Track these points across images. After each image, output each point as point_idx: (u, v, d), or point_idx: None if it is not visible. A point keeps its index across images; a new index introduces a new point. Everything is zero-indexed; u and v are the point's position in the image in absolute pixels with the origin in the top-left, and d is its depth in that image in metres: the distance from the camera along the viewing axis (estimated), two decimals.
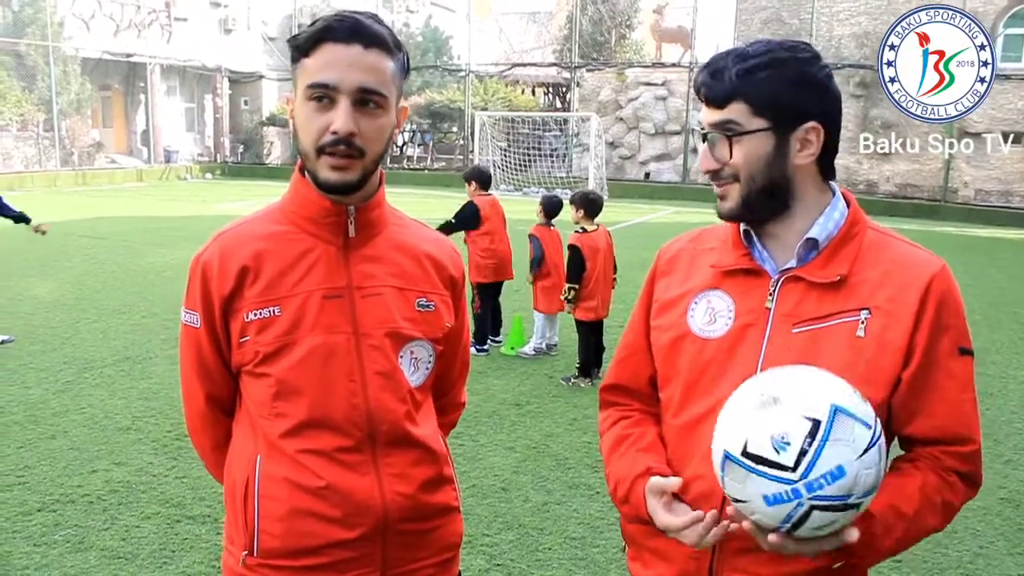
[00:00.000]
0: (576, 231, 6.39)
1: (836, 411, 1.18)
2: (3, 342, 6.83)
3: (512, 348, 7.13)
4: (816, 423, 1.17)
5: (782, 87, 1.37)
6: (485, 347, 7.21)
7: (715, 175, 1.44)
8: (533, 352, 7.04)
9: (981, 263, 13.01)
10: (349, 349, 1.52)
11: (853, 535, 1.24)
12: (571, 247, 6.32)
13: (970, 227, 18.66)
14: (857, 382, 1.34)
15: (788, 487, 1.17)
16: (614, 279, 6.59)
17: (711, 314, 1.47)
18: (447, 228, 6.82)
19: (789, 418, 1.18)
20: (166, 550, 3.62)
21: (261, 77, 30.31)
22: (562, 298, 6.44)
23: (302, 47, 1.46)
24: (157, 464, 4.52)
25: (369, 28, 1.46)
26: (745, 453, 1.19)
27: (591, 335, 6.43)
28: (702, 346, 1.46)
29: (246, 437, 1.57)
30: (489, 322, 7.31)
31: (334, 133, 1.44)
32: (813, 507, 1.17)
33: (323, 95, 1.44)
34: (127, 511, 3.97)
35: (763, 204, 1.42)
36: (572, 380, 6.32)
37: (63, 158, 24.30)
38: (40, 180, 22.05)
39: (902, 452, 1.48)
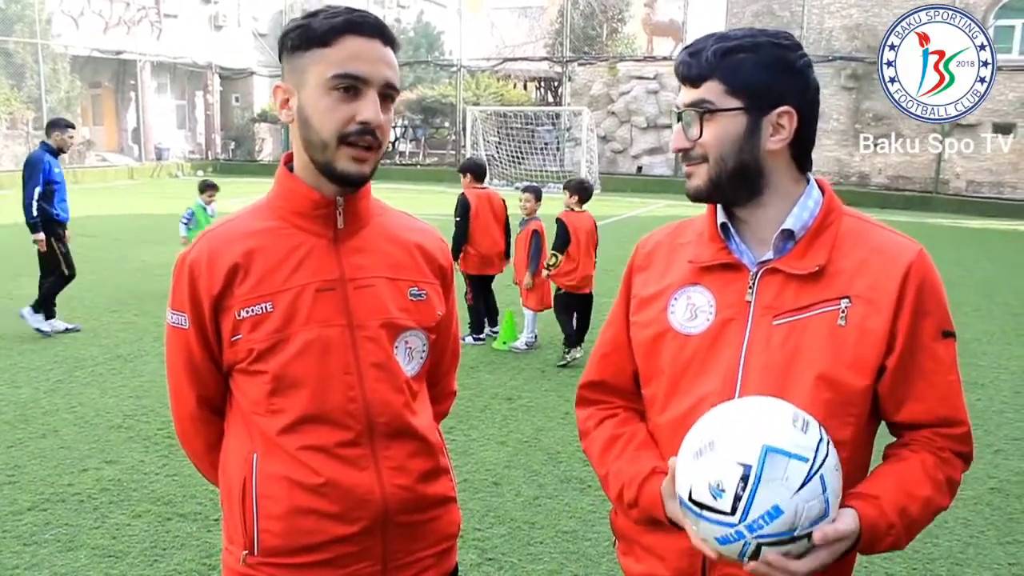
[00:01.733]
0: (565, 210, 6.71)
1: (767, 452, 1.19)
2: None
3: (504, 343, 7.13)
4: (747, 468, 1.19)
5: (758, 70, 1.37)
6: (482, 336, 7.26)
7: (685, 155, 1.44)
8: (524, 346, 7.05)
9: (973, 254, 13.05)
10: (344, 342, 1.52)
11: (843, 538, 1.24)
12: (558, 221, 6.64)
13: (962, 218, 18.71)
14: (840, 370, 1.35)
15: (731, 530, 1.20)
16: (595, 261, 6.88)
17: (692, 310, 1.46)
18: (459, 235, 6.99)
19: (722, 465, 1.21)
20: (157, 548, 3.61)
21: (252, 73, 30.22)
22: (545, 264, 6.66)
23: (321, 37, 1.45)
24: (148, 462, 4.51)
25: (387, 26, 1.50)
26: (691, 499, 1.24)
27: (570, 307, 6.68)
28: (683, 342, 1.46)
29: (240, 436, 1.56)
30: (484, 312, 7.36)
31: (362, 123, 1.45)
32: (760, 544, 1.20)
33: (351, 86, 1.44)
34: (118, 509, 3.95)
35: (733, 186, 1.42)
36: (564, 357, 6.55)
37: None
38: None
39: (891, 441, 1.48)
